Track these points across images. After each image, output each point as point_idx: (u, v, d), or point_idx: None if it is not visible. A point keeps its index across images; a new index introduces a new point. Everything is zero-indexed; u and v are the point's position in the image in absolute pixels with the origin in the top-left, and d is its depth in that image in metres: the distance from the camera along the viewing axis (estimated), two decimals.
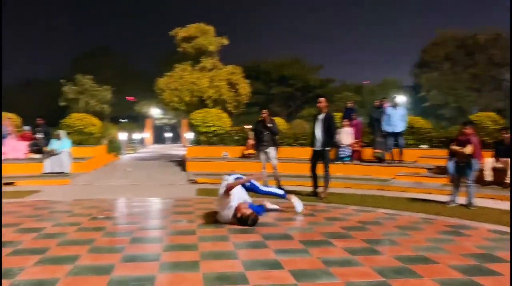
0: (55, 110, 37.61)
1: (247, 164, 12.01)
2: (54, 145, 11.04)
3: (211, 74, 16.01)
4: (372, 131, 11.64)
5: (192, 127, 14.10)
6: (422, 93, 33.70)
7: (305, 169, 11.30)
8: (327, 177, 7.49)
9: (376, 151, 11.32)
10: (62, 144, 11.05)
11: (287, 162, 11.92)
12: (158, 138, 49.00)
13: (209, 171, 11.66)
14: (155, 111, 40.88)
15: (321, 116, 7.51)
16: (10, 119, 12.34)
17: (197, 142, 14.23)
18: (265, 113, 8.74)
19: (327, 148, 7.36)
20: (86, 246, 3.93)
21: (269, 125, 8.63)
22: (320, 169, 7.59)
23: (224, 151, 13.47)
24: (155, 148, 35.19)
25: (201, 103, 15.81)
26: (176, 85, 15.70)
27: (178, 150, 29.12)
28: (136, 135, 32.16)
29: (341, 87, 41.15)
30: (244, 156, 13.03)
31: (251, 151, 12.78)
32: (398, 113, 10.57)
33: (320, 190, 7.57)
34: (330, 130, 7.35)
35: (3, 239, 4.10)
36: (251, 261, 3.52)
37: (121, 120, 42.94)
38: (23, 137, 12.17)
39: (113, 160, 17.10)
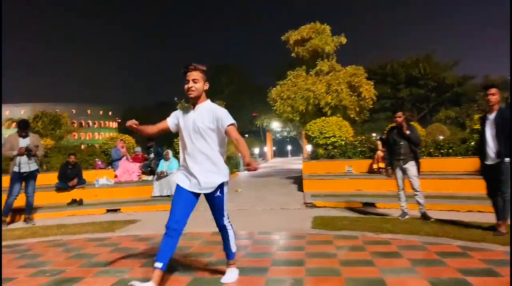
0: None
1: (377, 182, 9.81)
2: (162, 166, 10.37)
3: (329, 78, 14.11)
4: None
5: (308, 139, 12.40)
6: None
7: (449, 186, 8.75)
8: (508, 203, 5.01)
9: None
10: (170, 165, 10.30)
11: (426, 178, 9.43)
12: (280, 152, 48.51)
13: (330, 191, 9.78)
14: (274, 125, 40.32)
15: (492, 116, 5.14)
16: (123, 140, 12.16)
17: (314, 156, 12.45)
18: (400, 117, 6.57)
19: (505, 160, 4.92)
20: None
21: (407, 132, 6.45)
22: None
23: (347, 165, 11.45)
24: (275, 161, 34.40)
25: (319, 112, 14.01)
26: (288, 93, 14.17)
27: (297, 164, 27.75)
28: (256, 150, 31.73)
29: (484, 83, 35.33)
30: (372, 171, 10.83)
31: (382, 165, 10.53)
32: None
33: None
34: (508, 133, 4.92)
35: None
36: None
37: (246, 135, 43.54)
38: (135, 159, 11.85)
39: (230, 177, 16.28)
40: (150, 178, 11.61)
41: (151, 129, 3.61)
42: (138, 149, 12.36)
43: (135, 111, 59.05)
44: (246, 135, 45.38)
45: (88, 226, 6.83)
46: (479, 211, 7.02)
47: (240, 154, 3.38)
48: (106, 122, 76.27)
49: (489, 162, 5.11)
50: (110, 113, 75.55)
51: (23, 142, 7.28)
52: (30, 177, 7.37)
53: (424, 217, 6.37)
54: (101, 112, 75.79)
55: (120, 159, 11.71)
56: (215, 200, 3.44)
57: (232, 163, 19.08)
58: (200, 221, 5.26)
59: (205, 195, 3.42)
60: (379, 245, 4.83)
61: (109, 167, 12.01)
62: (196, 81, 3.23)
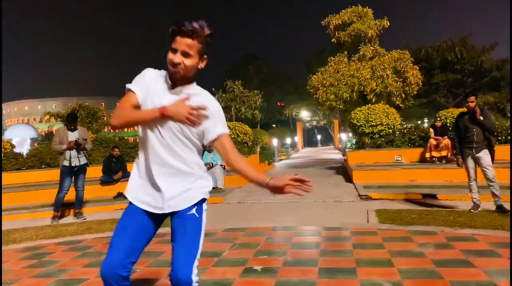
0: None
1: (433, 171, 9.31)
2: (206, 158, 10.12)
3: (373, 63, 13.51)
4: None
5: (353, 127, 11.92)
6: None
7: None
8: None
9: None
10: (215, 156, 10.07)
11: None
12: (309, 141, 47.92)
13: (382, 182, 9.33)
14: (304, 114, 39.74)
15: None
16: None
17: (360, 145, 11.97)
18: (473, 101, 6.05)
19: None
20: None
21: (480, 118, 5.94)
22: None
23: (396, 154, 10.93)
24: (306, 151, 33.93)
25: (361, 99, 13.47)
26: (331, 80, 13.64)
27: (331, 153, 27.24)
28: (288, 140, 31.33)
29: None
30: (424, 160, 10.28)
31: (435, 154, 9.99)
32: None
33: None
34: None
35: None
36: None
37: (273, 125, 43.22)
38: None
39: (267, 168, 15.97)
40: None
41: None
42: None
43: None
44: (274, 125, 45.02)
45: None
46: None
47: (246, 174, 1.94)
48: None
49: None
50: (102, 104, 76.28)
51: (72, 136, 7.12)
52: (80, 170, 7.22)
53: (501, 209, 5.87)
54: None
55: None
56: (186, 223, 1.94)
57: (266, 153, 18.78)
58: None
59: (173, 215, 1.98)
60: (466, 242, 4.40)
61: None
62: (189, 55, 1.86)
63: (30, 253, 4.80)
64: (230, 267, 3.91)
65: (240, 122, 13.38)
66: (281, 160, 21.75)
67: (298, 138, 37.42)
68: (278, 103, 45.49)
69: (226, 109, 20.08)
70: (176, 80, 1.93)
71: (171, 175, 1.95)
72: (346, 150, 14.85)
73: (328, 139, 46.52)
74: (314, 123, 43.37)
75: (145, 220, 2.00)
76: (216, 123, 1.95)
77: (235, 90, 20.42)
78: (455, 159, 6.50)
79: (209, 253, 4.38)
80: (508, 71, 33.59)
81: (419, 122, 37.32)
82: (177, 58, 1.85)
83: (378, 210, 6.58)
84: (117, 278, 1.88)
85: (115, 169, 9.64)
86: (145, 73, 1.98)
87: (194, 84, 2.00)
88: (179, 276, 1.82)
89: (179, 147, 1.94)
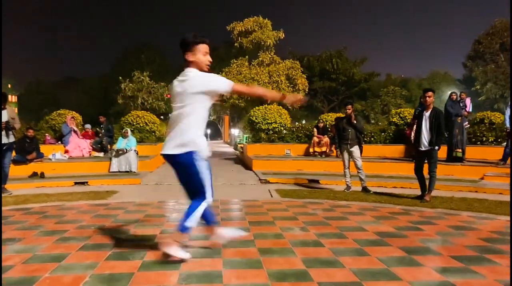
0: (96, 106, 38.29)
1: (315, 163, 11.46)
2: (120, 143, 10.85)
3: (270, 69, 15.51)
4: (450, 129, 10.67)
5: (251, 124, 13.68)
6: (477, 86, 31.97)
7: (374, 168, 10.64)
8: (433, 179, 6.81)
9: (456, 150, 10.52)
10: (129, 142, 10.84)
11: None
12: None
13: (276, 170, 11.19)
14: None
15: (427, 113, 6.82)
16: (73, 118, 12.26)
17: (257, 139, 13.79)
18: (350, 109, 8.14)
19: (436, 148, 6.69)
20: None
21: (354, 122, 8.03)
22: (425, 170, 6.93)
23: (286, 148, 12.97)
24: None
25: (258, 100, 15.35)
26: (235, 81, 15.22)
27: (222, 147, 28.96)
28: None
29: (386, 81, 39.80)
30: (308, 154, 12.48)
31: (318, 149, 12.23)
32: None
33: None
34: (439, 128, 6.66)
35: None
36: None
37: (162, 117, 43.25)
38: (85, 136, 12.07)
39: None
40: (101, 154, 11.98)
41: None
42: (88, 126, 12.54)
43: (40, 84, 55.08)
44: (162, 117, 45.15)
45: (76, 195, 7.33)
46: (402, 187, 8.92)
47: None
48: None
49: (422, 148, 6.83)
50: (9, 86, 68.85)
51: (2, 115, 7.44)
52: (8, 148, 7.57)
53: (365, 190, 8.02)
54: None
55: (69, 133, 11.82)
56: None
57: None
58: None
59: None
60: (343, 208, 6.27)
61: (59, 142, 12.06)
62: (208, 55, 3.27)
63: None
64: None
65: (148, 112, 14.15)
66: None
67: None
68: (167, 95, 45.88)
69: (132, 98, 20.36)
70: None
71: None
72: (244, 143, 16.59)
73: (216, 134, 48.39)
74: None
75: None
76: None
77: (143, 81, 20.79)
78: (333, 154, 8.53)
79: (159, 215, 5.54)
80: (374, 84, 39.22)
81: (296, 123, 41.37)
82: (209, 58, 3.25)
83: (277, 190, 8.31)
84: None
85: (29, 149, 9.84)
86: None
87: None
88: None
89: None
